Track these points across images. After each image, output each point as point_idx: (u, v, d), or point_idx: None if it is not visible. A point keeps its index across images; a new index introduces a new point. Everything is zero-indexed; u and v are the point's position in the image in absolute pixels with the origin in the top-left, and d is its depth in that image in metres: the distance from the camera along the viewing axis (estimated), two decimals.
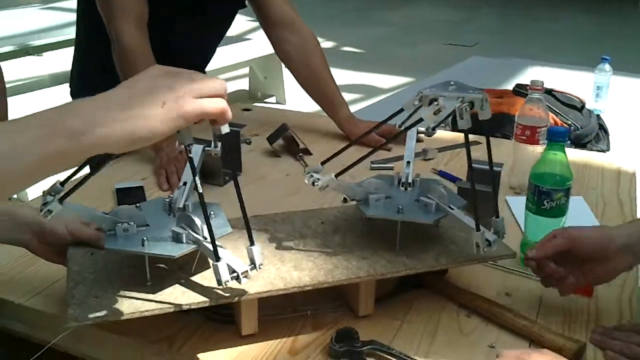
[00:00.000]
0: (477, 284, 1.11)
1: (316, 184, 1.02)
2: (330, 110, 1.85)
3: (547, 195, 1.12)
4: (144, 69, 0.76)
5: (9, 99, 3.68)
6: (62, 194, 0.87)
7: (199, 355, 0.94)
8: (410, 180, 1.12)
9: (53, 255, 1.07)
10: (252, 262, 0.90)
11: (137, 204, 1.03)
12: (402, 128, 1.05)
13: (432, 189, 1.06)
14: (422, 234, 1.08)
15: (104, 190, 1.48)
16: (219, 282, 0.88)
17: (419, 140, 1.71)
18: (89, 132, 0.67)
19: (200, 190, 0.85)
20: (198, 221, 0.93)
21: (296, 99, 5.40)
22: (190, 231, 0.93)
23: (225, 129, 0.81)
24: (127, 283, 0.94)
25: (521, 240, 1.20)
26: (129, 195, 1.43)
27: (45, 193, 0.89)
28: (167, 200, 1.02)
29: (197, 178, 0.85)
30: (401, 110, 1.01)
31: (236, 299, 0.92)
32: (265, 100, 5.48)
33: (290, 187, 1.51)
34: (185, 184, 1.03)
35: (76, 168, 0.88)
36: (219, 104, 0.76)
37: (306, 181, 1.03)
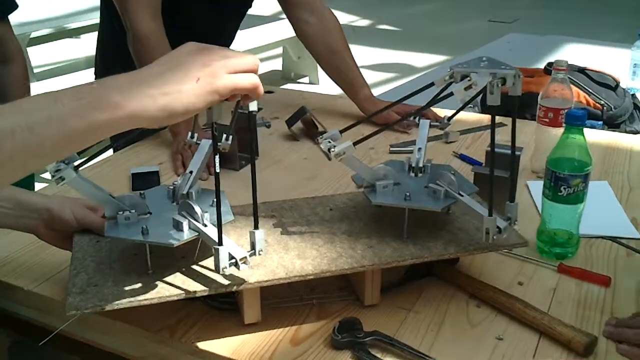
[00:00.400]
0: (489, 272, 1.08)
1: (332, 150, 0.98)
2: (350, 91, 1.82)
3: (564, 181, 1.08)
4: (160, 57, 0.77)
5: (46, 82, 3.74)
6: (77, 162, 0.88)
7: (200, 344, 0.94)
8: (420, 166, 1.08)
9: (60, 242, 1.07)
10: (253, 247, 0.89)
11: (142, 192, 1.02)
12: (431, 101, 1.01)
13: (442, 175, 1.02)
14: (431, 222, 1.05)
15: (121, 174, 1.49)
16: (217, 268, 0.86)
17: (442, 128, 1.67)
18: (126, 106, 0.70)
19: (218, 170, 0.84)
20: (199, 209, 0.92)
21: (329, 80, 5.36)
22: (190, 219, 0.92)
23: (253, 106, 0.83)
24: (128, 271, 0.94)
25: (538, 226, 1.17)
26: (144, 180, 1.43)
27: (59, 161, 0.88)
28: (171, 187, 1.01)
29: (217, 157, 0.84)
30: (431, 84, 0.98)
31: (235, 288, 0.90)
32: (299, 81, 5.46)
33: (307, 172, 1.49)
34: (191, 172, 1.02)
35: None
36: (251, 79, 0.77)
37: (322, 146, 0.99)
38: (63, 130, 0.67)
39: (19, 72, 1.84)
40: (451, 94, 0.94)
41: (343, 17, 7.33)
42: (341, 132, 1.02)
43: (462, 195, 1.01)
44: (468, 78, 0.91)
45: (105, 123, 0.69)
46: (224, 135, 1.03)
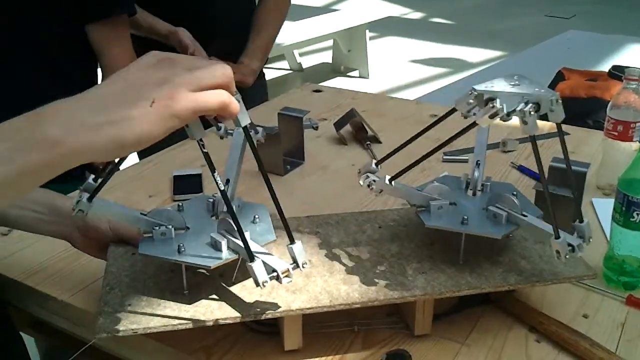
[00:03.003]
0: (551, 301, 0.99)
1: (372, 186, 0.92)
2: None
3: (637, 206, 0.99)
4: None
5: None
6: (92, 192, 0.83)
7: None
8: (479, 186, 1.00)
9: (95, 251, 1.02)
10: (295, 261, 0.82)
11: (180, 204, 0.96)
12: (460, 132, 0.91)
13: (503, 197, 0.94)
14: (489, 246, 0.97)
15: (163, 175, 1.44)
16: (257, 283, 0.79)
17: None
18: (67, 141, 0.59)
19: (223, 188, 0.76)
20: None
21: (380, 74, 5.27)
22: (230, 237, 0.86)
23: (243, 120, 0.71)
24: (163, 290, 0.89)
25: (606, 252, 1.07)
26: (186, 183, 1.38)
27: (81, 190, 0.84)
28: (211, 200, 0.95)
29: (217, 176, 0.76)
30: (453, 110, 0.85)
31: (277, 315, 0.84)
32: (349, 74, 5.37)
33: (355, 179, 1.40)
34: (228, 181, 0.96)
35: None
36: (218, 97, 0.65)
37: (361, 182, 0.93)
38: None
39: None
40: (475, 124, 0.80)
41: (396, 10, 7.21)
42: (377, 163, 0.95)
43: (525, 216, 0.93)
44: (492, 104, 0.77)
45: (42, 165, 0.58)
46: (254, 129, 0.97)
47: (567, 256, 0.86)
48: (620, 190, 1.01)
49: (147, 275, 0.92)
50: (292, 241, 0.82)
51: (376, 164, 0.94)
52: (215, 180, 0.75)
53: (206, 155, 0.74)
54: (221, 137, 0.98)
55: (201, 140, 0.72)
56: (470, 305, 0.98)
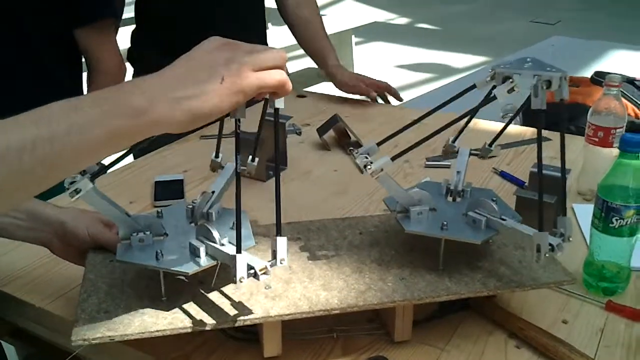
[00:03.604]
0: (531, 307, 1.00)
1: (368, 167, 0.91)
2: (319, 59, 1.95)
3: (616, 212, 0.99)
4: None
5: None
6: (93, 172, 0.82)
7: None
8: (459, 189, 1.00)
9: (74, 257, 1.02)
10: (274, 256, 0.81)
11: (159, 210, 0.96)
12: (478, 106, 0.93)
13: (483, 203, 0.94)
14: (469, 251, 0.97)
15: (144, 181, 1.44)
16: (234, 277, 0.78)
17: (482, 156, 1.57)
18: (150, 111, 0.66)
19: (239, 169, 0.78)
20: (217, 234, 0.85)
21: None
22: (209, 243, 0.85)
23: (280, 103, 0.78)
24: (141, 297, 0.88)
25: (585, 257, 1.08)
26: (168, 189, 1.38)
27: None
28: (190, 206, 0.95)
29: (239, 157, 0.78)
30: (473, 86, 0.91)
31: (256, 321, 0.84)
32: None
33: (337, 185, 1.41)
34: (213, 192, 0.95)
35: None
36: (279, 76, 0.73)
37: (358, 162, 0.92)
38: (83, 140, 0.64)
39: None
40: (494, 97, 0.88)
41: (382, 15, 7.23)
42: (385, 140, 0.95)
43: (504, 220, 0.92)
44: (510, 80, 0.86)
45: (128, 130, 0.66)
46: (249, 157, 0.97)
47: (547, 254, 0.85)
48: (600, 196, 1.02)
49: (125, 282, 0.92)
50: (278, 233, 0.82)
51: (378, 144, 0.93)
52: (235, 160, 0.77)
53: (237, 137, 0.77)
54: (213, 170, 1.00)
55: (239, 120, 0.76)
56: (450, 311, 0.98)
